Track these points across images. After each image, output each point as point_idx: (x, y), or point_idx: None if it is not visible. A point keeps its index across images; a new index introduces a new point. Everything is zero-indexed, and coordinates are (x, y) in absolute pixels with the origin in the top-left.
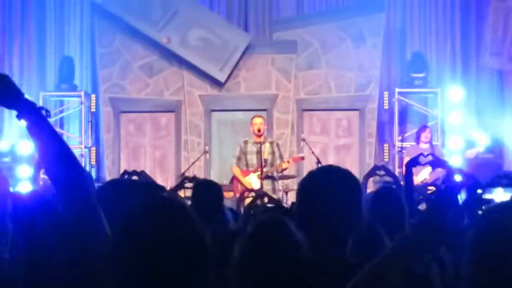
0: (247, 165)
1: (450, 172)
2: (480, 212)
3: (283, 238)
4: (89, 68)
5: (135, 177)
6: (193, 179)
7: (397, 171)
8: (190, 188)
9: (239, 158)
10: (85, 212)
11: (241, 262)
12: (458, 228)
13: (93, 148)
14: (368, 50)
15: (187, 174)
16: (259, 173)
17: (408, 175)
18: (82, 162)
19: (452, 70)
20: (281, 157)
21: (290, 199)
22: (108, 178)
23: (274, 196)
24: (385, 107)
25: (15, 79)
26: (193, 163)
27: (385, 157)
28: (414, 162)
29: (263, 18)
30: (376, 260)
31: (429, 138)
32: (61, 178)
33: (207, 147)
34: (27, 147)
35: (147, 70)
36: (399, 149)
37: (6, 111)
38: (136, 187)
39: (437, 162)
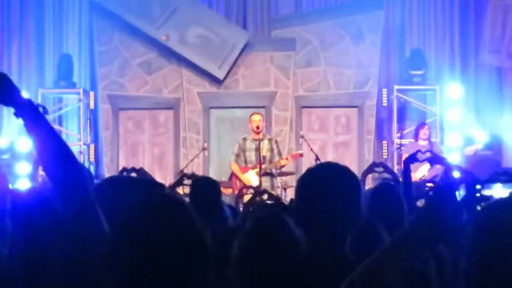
0: (245, 162)
1: (448, 168)
2: (479, 208)
3: (282, 234)
4: (87, 65)
5: (134, 174)
6: (192, 176)
7: (396, 168)
8: (189, 185)
9: (237, 155)
10: (83, 210)
11: (240, 258)
12: (456, 224)
13: (92, 145)
14: (367, 47)
15: (185, 171)
16: (257, 170)
17: (406, 172)
18: (81, 159)
19: (451, 67)
20: (279, 154)
21: (288, 196)
22: (106, 175)
23: (273, 192)
24: (383, 104)
25: (14, 77)
26: (192, 160)
27: (383, 154)
28: (412, 158)
29: (261, 15)
30: (374, 256)
31: (427, 135)
32: (59, 175)
33: (205, 144)
34: (26, 144)
35: (146, 68)
36: (398, 146)
37: (5, 108)
38: (135, 184)
39: (435, 159)
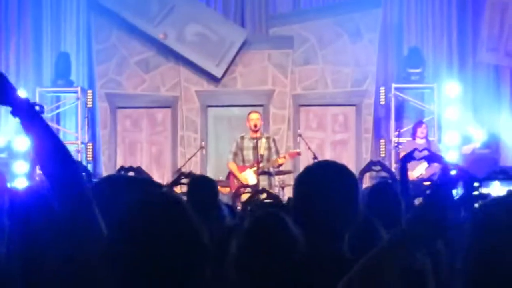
0: (243, 161)
1: (445, 166)
2: (476, 205)
3: (281, 233)
4: (85, 64)
5: (131, 173)
6: (189, 175)
7: (393, 167)
8: (187, 184)
9: (235, 154)
10: (79, 209)
11: (239, 257)
12: (454, 222)
13: (90, 144)
14: (365, 45)
15: (183, 170)
16: (255, 168)
17: (403, 170)
18: (79, 158)
19: (449, 66)
20: (277, 152)
21: (286, 194)
22: (104, 173)
23: (271, 191)
24: (381, 103)
25: (12, 75)
26: (190, 158)
27: (381, 152)
28: (409, 157)
29: (259, 13)
30: (371, 254)
31: (425, 133)
32: (55, 174)
33: (203, 143)
34: (23, 143)
35: (144, 66)
36: (396, 144)
37: (2, 107)
38: (133, 183)
39: (432, 157)
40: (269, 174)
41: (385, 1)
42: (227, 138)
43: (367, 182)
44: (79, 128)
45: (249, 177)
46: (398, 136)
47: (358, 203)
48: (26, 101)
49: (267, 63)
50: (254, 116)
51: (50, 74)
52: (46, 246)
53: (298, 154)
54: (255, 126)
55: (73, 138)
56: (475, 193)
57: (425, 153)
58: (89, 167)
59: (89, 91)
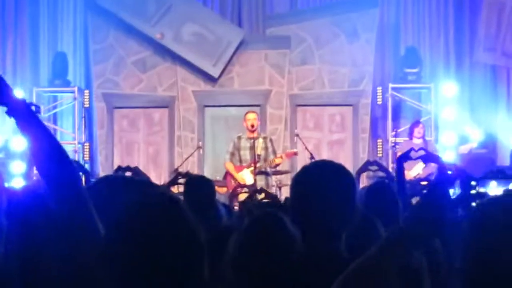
0: (240, 161)
1: (441, 166)
2: (474, 204)
3: (279, 233)
4: (82, 64)
5: (129, 173)
6: (186, 175)
7: (390, 167)
8: (183, 184)
9: (232, 154)
10: (76, 209)
11: (237, 257)
12: (451, 221)
13: (87, 144)
14: (362, 45)
15: (180, 170)
16: (252, 168)
17: (400, 170)
18: (76, 158)
19: (446, 66)
20: (274, 152)
21: (283, 194)
22: (101, 173)
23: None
24: (378, 103)
25: (9, 75)
26: (187, 158)
27: (378, 152)
28: (405, 157)
29: (256, 13)
30: (368, 253)
31: (422, 133)
32: (51, 174)
33: (200, 143)
34: (21, 143)
35: (141, 66)
36: (393, 144)
37: None
38: (130, 184)
39: (428, 157)
40: (266, 174)
41: (382, 1)
42: (224, 138)
43: (364, 182)
44: (76, 128)
45: (246, 177)
46: (395, 136)
47: (355, 203)
48: (22, 101)
49: (264, 63)
50: (251, 116)
51: (47, 74)
52: (44, 245)
53: (295, 154)
54: (252, 126)
55: (70, 138)
56: (473, 192)
57: (421, 152)
58: (86, 167)
59: (86, 91)
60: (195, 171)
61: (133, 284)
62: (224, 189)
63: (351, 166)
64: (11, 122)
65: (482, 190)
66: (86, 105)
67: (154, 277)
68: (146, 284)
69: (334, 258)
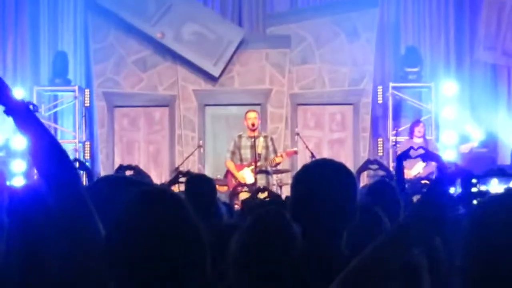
0: (241, 160)
1: (441, 164)
2: (475, 202)
3: (282, 231)
4: (83, 63)
5: (130, 172)
6: (187, 173)
7: (391, 166)
8: (184, 182)
9: (233, 153)
10: (75, 207)
11: (239, 255)
12: (451, 219)
13: (87, 143)
14: (362, 44)
15: (181, 168)
16: (253, 167)
17: (399, 169)
18: (77, 156)
19: (446, 65)
20: (275, 151)
21: (284, 193)
22: (102, 172)
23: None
24: (379, 102)
25: (9, 74)
26: (187, 157)
27: (379, 151)
28: (405, 155)
29: (257, 13)
30: (368, 250)
31: (422, 132)
32: (50, 173)
33: (201, 142)
34: (21, 141)
35: (141, 65)
36: (393, 143)
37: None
38: (131, 184)
39: (427, 155)
40: (266, 172)
41: (382, 1)
42: (224, 137)
43: (364, 181)
44: (76, 127)
45: (247, 175)
46: (396, 135)
47: (355, 201)
48: (20, 100)
49: (264, 62)
50: (252, 115)
51: (48, 73)
52: (45, 244)
53: (295, 153)
54: (253, 125)
55: (71, 137)
56: (473, 189)
57: (421, 151)
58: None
59: (87, 90)
60: (195, 170)
61: (135, 283)
62: (225, 188)
63: (351, 165)
64: (11, 121)
65: (483, 188)
66: (87, 104)
67: (157, 276)
68: (148, 282)
69: (335, 256)
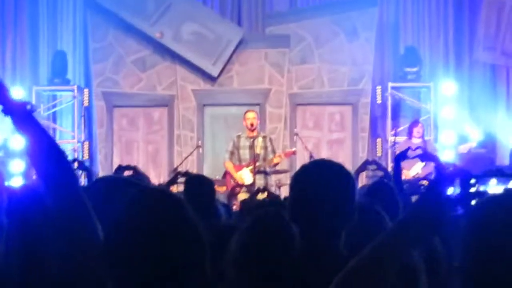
0: (239, 160)
1: (439, 164)
2: (474, 202)
3: (282, 231)
4: (82, 62)
5: (130, 172)
6: (186, 174)
7: (390, 166)
8: (183, 183)
9: (232, 153)
10: (73, 208)
11: (239, 255)
12: (450, 219)
13: (86, 143)
14: (361, 44)
15: (180, 169)
16: (251, 167)
17: (397, 169)
18: (75, 156)
19: (445, 65)
20: (273, 151)
21: (283, 194)
22: (101, 172)
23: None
24: (378, 102)
25: (8, 74)
26: (186, 158)
27: (378, 151)
28: (403, 156)
29: (256, 12)
30: (366, 250)
31: (421, 133)
32: (48, 174)
33: (200, 142)
34: (20, 141)
35: (140, 65)
36: (392, 143)
37: None
38: (128, 184)
39: (425, 156)
40: (265, 173)
41: (382, 0)
42: (223, 137)
43: (363, 181)
44: (75, 126)
45: (246, 176)
46: (395, 135)
47: (354, 201)
48: (18, 100)
49: (263, 62)
50: (251, 115)
51: (47, 73)
52: (43, 244)
53: (294, 153)
54: (252, 125)
55: (70, 137)
56: (472, 190)
57: (419, 151)
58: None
59: (86, 90)
60: (194, 170)
61: (135, 283)
62: (224, 188)
63: (350, 165)
64: (10, 121)
65: (482, 188)
66: (86, 104)
67: (156, 276)
68: (148, 282)
69: (333, 256)
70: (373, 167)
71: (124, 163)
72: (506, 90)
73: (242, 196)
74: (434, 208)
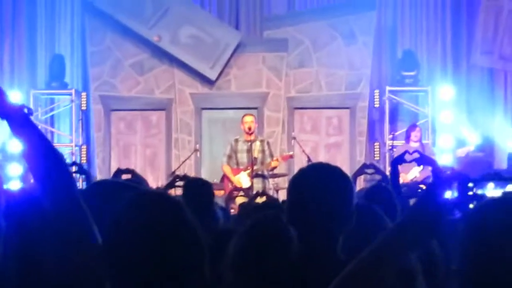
0: (237, 164)
1: (436, 168)
2: (471, 205)
3: (280, 235)
4: (79, 66)
5: (128, 175)
6: (184, 177)
7: (387, 170)
8: (181, 186)
9: (229, 157)
10: (70, 211)
11: (237, 259)
12: (448, 222)
13: (84, 147)
14: (359, 48)
15: (177, 172)
16: (249, 171)
17: (394, 172)
18: (73, 159)
19: (443, 69)
20: (271, 155)
21: (281, 197)
22: (98, 176)
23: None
24: (375, 106)
25: (6, 77)
26: (184, 161)
27: (375, 155)
28: (400, 160)
29: (254, 16)
30: (364, 253)
31: (418, 137)
32: (44, 177)
33: (197, 146)
34: (18, 145)
35: (138, 68)
36: (390, 147)
37: None
38: (126, 188)
39: (422, 159)
40: (263, 177)
41: (380, 4)
42: (221, 140)
43: (361, 185)
44: (73, 130)
45: (243, 180)
46: (392, 139)
47: (351, 205)
48: (14, 104)
49: (261, 65)
50: (249, 119)
51: (44, 76)
52: (41, 247)
53: (291, 157)
54: (250, 128)
55: (67, 141)
56: (470, 193)
57: (416, 155)
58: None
59: (83, 94)
60: (192, 173)
61: (134, 286)
62: (221, 192)
63: (348, 169)
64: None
65: (479, 192)
66: (83, 108)
67: (156, 278)
68: (147, 285)
69: (331, 259)
70: (371, 170)
71: (122, 167)
72: (503, 94)
73: (240, 199)
74: (431, 211)
